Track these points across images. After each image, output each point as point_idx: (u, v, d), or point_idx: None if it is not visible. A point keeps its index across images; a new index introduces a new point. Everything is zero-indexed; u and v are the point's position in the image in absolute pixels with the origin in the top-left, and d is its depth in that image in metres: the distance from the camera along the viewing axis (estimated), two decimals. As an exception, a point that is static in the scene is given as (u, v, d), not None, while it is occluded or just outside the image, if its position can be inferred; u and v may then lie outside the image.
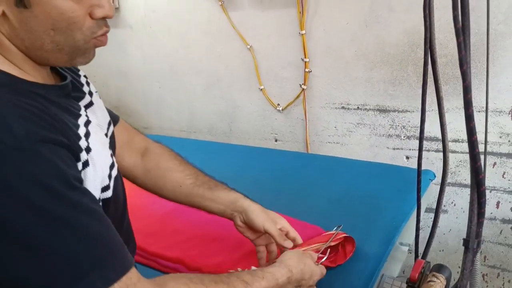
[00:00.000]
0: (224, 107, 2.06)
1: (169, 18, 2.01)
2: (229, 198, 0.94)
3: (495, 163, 1.53)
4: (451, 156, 1.58)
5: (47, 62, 0.64)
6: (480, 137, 0.68)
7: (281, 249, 0.91)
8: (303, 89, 1.76)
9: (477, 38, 1.37)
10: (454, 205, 1.66)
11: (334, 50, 1.66)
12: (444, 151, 0.82)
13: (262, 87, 1.88)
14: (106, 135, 0.77)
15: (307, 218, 1.14)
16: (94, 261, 0.53)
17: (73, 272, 0.52)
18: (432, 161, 1.62)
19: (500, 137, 1.48)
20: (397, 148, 1.69)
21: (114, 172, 0.70)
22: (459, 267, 0.77)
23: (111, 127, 0.82)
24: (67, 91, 0.68)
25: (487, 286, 1.70)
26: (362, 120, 1.71)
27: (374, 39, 1.56)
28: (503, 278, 1.67)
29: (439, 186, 0.86)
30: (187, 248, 1.10)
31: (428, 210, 1.59)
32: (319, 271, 0.85)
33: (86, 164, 0.61)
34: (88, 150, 0.62)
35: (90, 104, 0.75)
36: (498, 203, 1.58)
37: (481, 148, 0.68)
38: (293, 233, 0.93)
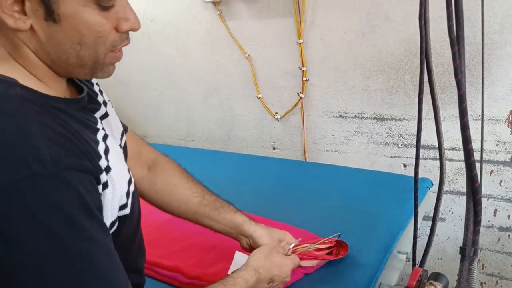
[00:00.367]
0: (222, 116, 2.06)
1: (168, 27, 2.02)
2: (234, 222, 0.95)
3: (492, 171, 1.53)
4: (448, 164, 1.59)
5: (70, 75, 0.64)
6: (476, 145, 0.68)
7: None
8: (301, 97, 1.77)
9: (473, 47, 1.38)
10: (452, 213, 1.66)
11: (331, 59, 1.67)
12: (441, 159, 0.82)
13: (260, 95, 1.89)
14: (120, 145, 0.77)
15: (305, 226, 1.14)
16: None
17: None
18: (430, 169, 1.62)
19: (497, 145, 1.49)
20: (395, 156, 1.69)
21: (132, 188, 0.70)
22: (457, 275, 0.77)
23: (124, 137, 0.82)
24: (83, 103, 0.68)
25: (485, 294, 1.70)
26: (360, 129, 1.72)
27: (371, 48, 1.58)
28: (502, 286, 1.67)
29: (436, 194, 0.87)
30: (185, 257, 1.10)
31: (425, 218, 1.59)
32: (290, 262, 0.88)
33: (105, 185, 0.60)
34: (108, 170, 0.61)
35: (105, 115, 0.75)
36: (495, 211, 1.58)
37: (477, 156, 0.68)
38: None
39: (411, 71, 1.54)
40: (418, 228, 0.92)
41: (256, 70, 1.85)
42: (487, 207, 1.58)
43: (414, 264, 0.93)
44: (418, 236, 0.92)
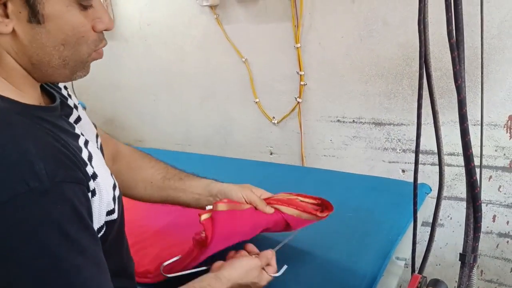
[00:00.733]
0: (219, 120, 2.05)
1: (165, 31, 2.01)
2: (201, 185, 0.92)
3: (490, 177, 1.52)
4: (447, 170, 1.58)
5: (49, 79, 0.63)
6: (475, 150, 0.67)
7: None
8: (298, 102, 1.76)
9: (471, 51, 1.38)
10: (451, 218, 1.65)
11: (329, 64, 1.66)
12: (440, 164, 0.81)
13: (257, 100, 1.88)
14: (98, 148, 0.75)
15: (302, 231, 1.13)
16: None
17: None
18: (428, 175, 1.62)
19: (496, 150, 1.48)
20: (393, 161, 1.68)
21: (117, 193, 0.69)
22: (456, 281, 0.76)
23: (99, 139, 0.81)
24: (59, 110, 0.67)
25: (484, 300, 1.69)
26: (358, 133, 1.71)
27: (369, 52, 1.57)
28: (500, 292, 1.66)
29: (435, 200, 0.86)
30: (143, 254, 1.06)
31: (424, 224, 1.58)
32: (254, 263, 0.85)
33: (93, 193, 0.60)
34: (94, 177, 0.61)
35: (78, 119, 0.73)
36: (494, 216, 1.57)
37: (476, 161, 0.67)
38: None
39: (409, 76, 1.53)
40: (417, 234, 0.91)
41: (253, 75, 1.85)
42: (486, 213, 1.57)
43: (413, 271, 0.92)
44: (416, 242, 0.91)
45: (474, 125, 1.44)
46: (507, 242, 1.58)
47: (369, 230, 1.12)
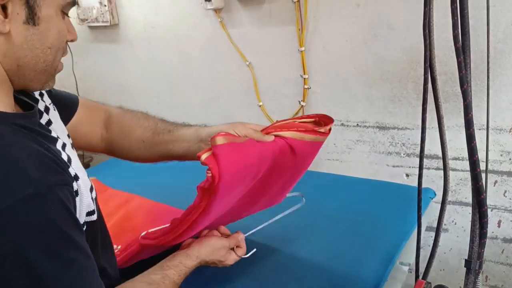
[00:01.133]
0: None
1: (169, 34, 2.02)
2: (189, 132, 0.91)
3: (496, 182, 1.51)
4: (451, 174, 1.56)
5: (26, 85, 0.64)
6: (481, 155, 0.67)
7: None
8: (302, 105, 1.76)
9: (477, 56, 1.36)
10: (455, 223, 1.64)
11: (333, 67, 1.66)
12: (445, 169, 0.81)
13: (261, 103, 1.87)
14: (72, 149, 0.75)
15: (305, 236, 1.12)
16: None
17: None
18: (432, 179, 1.61)
19: (501, 155, 1.47)
20: (397, 166, 1.68)
21: (94, 195, 0.71)
22: (460, 286, 0.76)
23: (70, 139, 0.79)
24: (37, 116, 0.67)
25: (489, 306, 1.68)
26: (362, 137, 1.71)
27: (373, 56, 1.57)
28: (505, 298, 1.64)
29: (439, 205, 0.85)
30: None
31: (428, 228, 1.57)
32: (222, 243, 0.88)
33: (76, 194, 0.61)
34: (76, 178, 0.62)
35: (49, 122, 0.73)
36: (499, 222, 1.56)
37: (482, 166, 0.67)
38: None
39: (414, 80, 1.53)
40: (421, 239, 0.91)
41: (257, 78, 1.84)
42: (491, 218, 1.56)
43: (417, 276, 0.92)
44: (420, 247, 0.91)
45: (480, 129, 1.43)
46: (512, 247, 1.57)
47: (372, 234, 1.12)
